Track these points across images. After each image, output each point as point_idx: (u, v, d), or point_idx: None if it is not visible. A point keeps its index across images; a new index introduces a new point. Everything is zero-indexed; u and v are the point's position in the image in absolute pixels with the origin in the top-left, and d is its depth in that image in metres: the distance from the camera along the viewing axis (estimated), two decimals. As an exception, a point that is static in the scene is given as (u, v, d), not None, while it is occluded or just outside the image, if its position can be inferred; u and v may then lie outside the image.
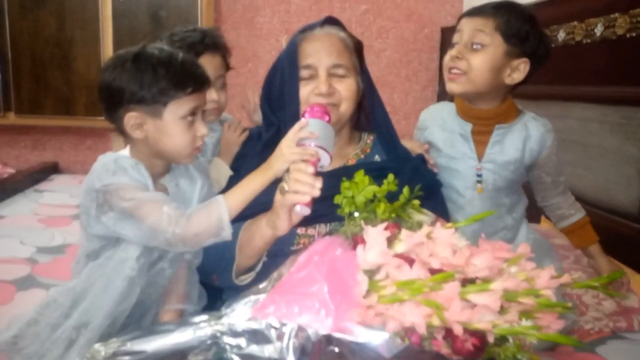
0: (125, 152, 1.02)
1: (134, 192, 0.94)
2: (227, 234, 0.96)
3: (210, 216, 0.95)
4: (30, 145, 3.17)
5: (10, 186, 2.50)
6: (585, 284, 0.99)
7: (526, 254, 0.98)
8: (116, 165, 0.95)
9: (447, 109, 1.31)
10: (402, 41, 3.31)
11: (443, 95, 3.23)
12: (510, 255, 0.97)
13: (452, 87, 1.21)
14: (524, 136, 1.24)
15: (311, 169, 0.94)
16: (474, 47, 1.17)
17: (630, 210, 1.56)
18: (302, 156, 0.95)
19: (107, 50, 2.84)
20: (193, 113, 0.97)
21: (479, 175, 1.25)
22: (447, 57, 1.22)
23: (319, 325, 0.85)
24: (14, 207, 2.28)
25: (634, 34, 1.55)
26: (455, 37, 1.21)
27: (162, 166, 1.03)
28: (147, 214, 0.93)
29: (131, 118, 0.96)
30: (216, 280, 1.12)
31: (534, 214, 2.05)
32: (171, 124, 0.96)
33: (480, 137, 1.25)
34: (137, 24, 2.84)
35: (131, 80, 0.94)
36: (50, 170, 3.00)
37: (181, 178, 1.06)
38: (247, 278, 1.08)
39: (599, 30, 1.68)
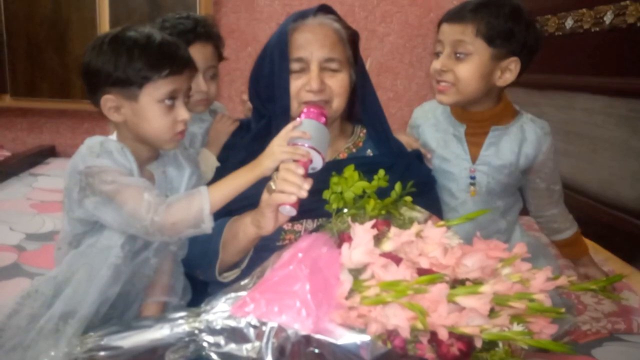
0: (113, 136, 0.99)
1: (116, 176, 0.91)
2: (207, 226, 0.93)
3: (190, 206, 0.92)
4: (27, 128, 3.13)
5: (5, 170, 2.47)
6: (582, 286, 0.95)
7: (522, 254, 0.94)
8: (101, 147, 0.93)
9: (441, 107, 1.25)
10: (406, 26, 3.23)
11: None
12: (506, 255, 0.93)
13: (441, 98, 1.15)
14: (520, 139, 1.18)
15: (301, 170, 0.90)
16: (458, 56, 1.10)
17: (635, 206, 1.51)
18: (293, 156, 0.92)
19: (104, 31, 2.78)
20: (172, 97, 0.94)
21: (472, 178, 1.19)
22: (432, 67, 1.15)
23: (299, 325, 0.82)
24: (7, 191, 2.25)
25: (644, 23, 1.48)
26: (437, 47, 1.14)
27: (148, 151, 1.00)
28: (127, 200, 0.90)
29: (107, 100, 0.94)
30: (200, 275, 1.09)
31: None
32: (148, 108, 0.94)
33: (475, 138, 1.20)
34: (134, 6, 2.78)
35: (107, 62, 0.92)
36: (47, 153, 2.97)
37: (169, 166, 1.04)
38: (231, 275, 1.04)
39: (608, 18, 1.61)
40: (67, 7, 2.76)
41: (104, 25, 2.78)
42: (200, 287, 1.13)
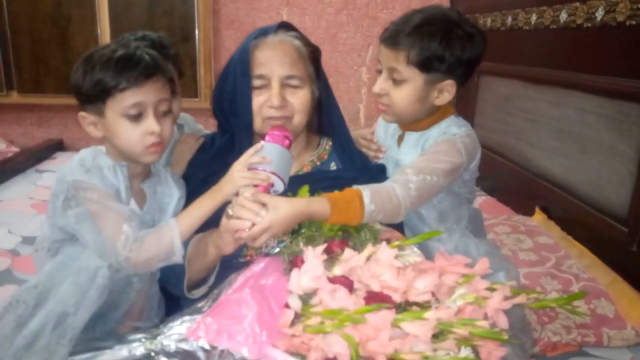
0: (104, 148, 1.00)
1: (102, 196, 0.93)
2: (177, 258, 0.95)
3: (161, 241, 0.94)
4: (35, 122, 3.20)
5: (11, 167, 2.53)
6: (542, 303, 0.95)
7: (483, 271, 0.94)
8: (93, 163, 0.95)
9: None
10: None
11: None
12: (466, 271, 0.93)
13: (383, 117, 1.16)
14: (424, 140, 1.14)
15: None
16: (394, 79, 1.08)
17: (620, 212, 1.47)
18: (252, 181, 0.93)
19: (104, 27, 2.80)
20: (137, 109, 0.95)
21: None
22: (373, 87, 1.13)
23: (246, 350, 0.85)
24: (12, 189, 2.29)
25: (633, 22, 1.41)
26: (379, 65, 1.12)
27: (137, 166, 1.01)
28: (106, 225, 0.92)
29: (84, 118, 0.97)
30: (171, 290, 1.12)
31: (528, 204, 1.97)
32: (114, 122, 0.95)
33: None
34: (132, 0, 2.79)
35: (78, 79, 0.95)
36: (55, 147, 3.04)
37: (160, 186, 1.06)
38: (199, 292, 1.07)
39: (599, 14, 1.55)
40: (68, 4, 2.79)
41: (104, 21, 2.80)
42: (173, 298, 1.16)
